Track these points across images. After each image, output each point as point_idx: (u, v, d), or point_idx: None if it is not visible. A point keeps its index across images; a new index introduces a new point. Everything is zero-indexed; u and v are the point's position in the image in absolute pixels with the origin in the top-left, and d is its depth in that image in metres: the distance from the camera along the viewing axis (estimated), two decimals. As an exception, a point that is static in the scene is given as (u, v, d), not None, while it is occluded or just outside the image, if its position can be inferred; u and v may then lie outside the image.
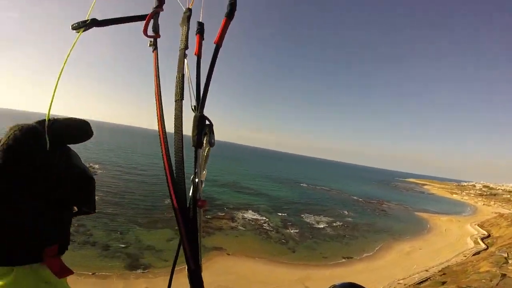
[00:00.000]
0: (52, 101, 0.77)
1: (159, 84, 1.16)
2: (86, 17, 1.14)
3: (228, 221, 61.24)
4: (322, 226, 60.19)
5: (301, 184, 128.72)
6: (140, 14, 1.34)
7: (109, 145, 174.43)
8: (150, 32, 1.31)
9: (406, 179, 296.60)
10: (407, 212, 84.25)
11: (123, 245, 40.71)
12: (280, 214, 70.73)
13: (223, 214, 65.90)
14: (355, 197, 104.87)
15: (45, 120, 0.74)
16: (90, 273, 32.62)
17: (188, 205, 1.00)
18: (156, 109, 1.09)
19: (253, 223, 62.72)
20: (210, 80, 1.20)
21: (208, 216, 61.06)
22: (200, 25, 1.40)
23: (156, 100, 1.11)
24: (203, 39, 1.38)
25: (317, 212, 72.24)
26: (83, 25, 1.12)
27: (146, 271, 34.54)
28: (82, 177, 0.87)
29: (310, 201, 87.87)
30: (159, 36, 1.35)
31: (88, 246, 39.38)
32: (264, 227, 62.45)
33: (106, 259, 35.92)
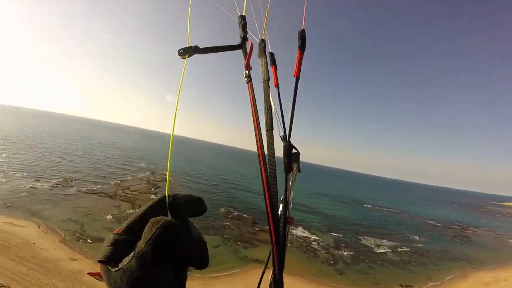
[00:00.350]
0: (170, 155, 1.03)
1: (257, 113, 1.26)
2: (187, 43, 1.32)
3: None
4: (382, 250, 55.27)
5: (365, 205, 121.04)
6: (234, 44, 1.53)
7: (180, 155, 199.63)
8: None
9: (504, 203, 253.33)
10: (499, 240, 71.79)
11: None
12: (334, 234, 67.74)
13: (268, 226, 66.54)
14: (431, 221, 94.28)
15: (165, 196, 0.89)
16: None
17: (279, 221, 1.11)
18: (256, 137, 1.19)
19: (301, 240, 60.96)
20: (294, 112, 1.31)
21: (257, 229, 62.63)
22: (272, 56, 1.53)
23: (255, 128, 1.22)
24: (277, 68, 1.49)
25: (380, 235, 66.46)
26: (188, 52, 1.31)
27: (189, 273, 37.71)
28: (203, 246, 0.95)
29: (373, 224, 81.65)
30: (251, 69, 1.48)
31: None
32: (312, 245, 59.96)
33: None
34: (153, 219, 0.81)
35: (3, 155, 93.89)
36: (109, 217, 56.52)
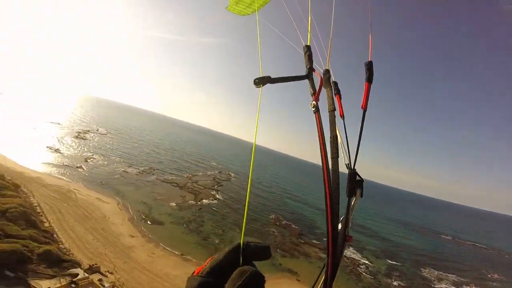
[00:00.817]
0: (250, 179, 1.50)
1: (324, 142, 1.41)
2: (260, 74, 1.58)
3: (319, 250, 57.63)
4: (443, 285, 47.58)
5: (442, 236, 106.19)
6: (301, 74, 1.68)
7: (246, 160, 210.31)
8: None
9: None
10: None
11: (217, 241, 48.62)
12: (390, 261, 61.55)
13: (318, 242, 62.82)
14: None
15: (239, 244, 1.07)
16: (179, 253, 41.23)
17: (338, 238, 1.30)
18: (322, 164, 1.35)
19: (347, 261, 56.53)
20: (360, 142, 1.42)
21: (301, 241, 59.99)
22: (336, 85, 1.62)
23: (321, 156, 1.37)
24: (341, 98, 1.60)
25: (447, 269, 56.19)
26: (262, 82, 1.57)
27: None
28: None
29: (443, 256, 70.16)
30: (319, 100, 1.57)
31: (194, 233, 50.05)
32: (359, 268, 54.63)
33: (198, 247, 44.24)
34: (241, 268, 1.00)
35: (110, 143, 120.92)
36: (173, 204, 65.11)
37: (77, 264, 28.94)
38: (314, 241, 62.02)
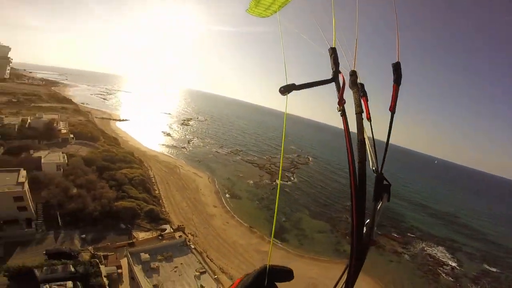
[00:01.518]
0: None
1: (351, 145, 1.44)
2: (285, 81, 1.64)
3: (398, 244, 52.38)
4: None
5: None
6: (327, 78, 1.70)
7: (328, 143, 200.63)
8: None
9: None
10: None
11: (283, 219, 50.97)
12: (486, 266, 51.93)
13: (398, 236, 56.49)
14: None
15: (265, 267, 1.15)
16: (248, 225, 45.55)
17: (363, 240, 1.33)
18: (349, 168, 1.38)
19: (430, 259, 50.55)
20: (388, 145, 1.43)
21: (379, 232, 54.36)
22: (362, 87, 1.61)
23: (348, 159, 1.39)
24: (368, 100, 1.58)
25: None
26: (287, 90, 1.60)
27: (281, 243, 41.93)
28: None
29: None
30: (345, 102, 1.58)
31: (264, 209, 54.18)
32: (441, 269, 46.87)
33: (265, 223, 47.94)
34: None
35: (206, 128, 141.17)
36: (251, 182, 71.70)
37: (169, 223, 37.42)
38: (394, 233, 55.40)
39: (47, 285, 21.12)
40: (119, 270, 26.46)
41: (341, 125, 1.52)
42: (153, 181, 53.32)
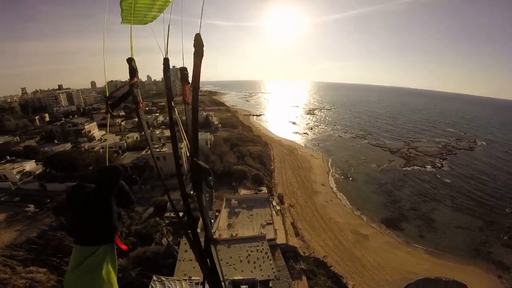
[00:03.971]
0: None
1: (174, 130, 1.60)
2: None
3: None
4: None
5: None
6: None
7: (497, 122, 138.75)
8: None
9: None
10: None
11: (407, 207, 43.01)
12: None
13: None
14: None
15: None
16: (353, 207, 42.07)
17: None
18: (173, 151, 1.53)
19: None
20: (197, 126, 1.37)
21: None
22: (182, 70, 1.59)
23: (172, 145, 1.58)
24: (189, 83, 1.55)
25: None
26: (110, 107, 1.91)
27: (387, 229, 36.04)
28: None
29: None
30: (140, 106, 1.71)
31: (384, 194, 48.62)
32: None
33: (379, 208, 43.40)
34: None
35: (333, 116, 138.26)
36: (374, 165, 64.39)
37: (266, 187, 42.49)
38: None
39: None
40: (217, 213, 33.66)
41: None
42: (272, 159, 61.24)
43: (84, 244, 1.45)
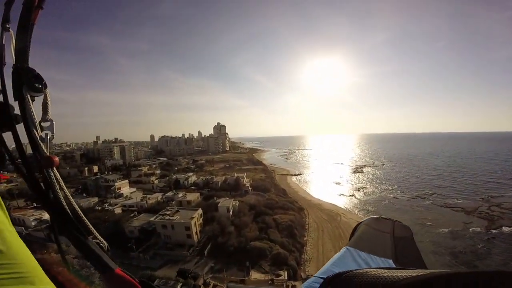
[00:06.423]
0: None
1: None
2: None
3: None
4: None
5: None
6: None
7: None
8: None
9: None
10: None
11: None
12: None
13: None
14: None
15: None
16: None
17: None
18: None
19: None
20: None
21: None
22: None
23: None
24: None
25: None
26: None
27: None
28: None
29: None
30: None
31: (461, 267, 32.05)
32: None
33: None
34: None
35: (383, 173, 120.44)
36: (445, 230, 48.41)
37: (292, 271, 31.72)
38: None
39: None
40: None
41: None
42: (306, 227, 50.23)
43: None
